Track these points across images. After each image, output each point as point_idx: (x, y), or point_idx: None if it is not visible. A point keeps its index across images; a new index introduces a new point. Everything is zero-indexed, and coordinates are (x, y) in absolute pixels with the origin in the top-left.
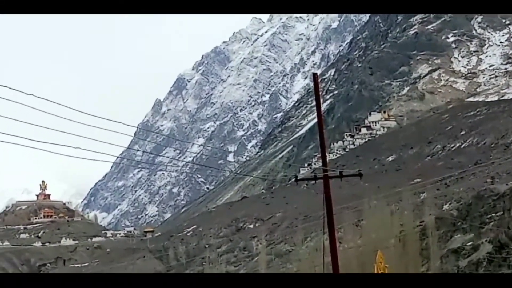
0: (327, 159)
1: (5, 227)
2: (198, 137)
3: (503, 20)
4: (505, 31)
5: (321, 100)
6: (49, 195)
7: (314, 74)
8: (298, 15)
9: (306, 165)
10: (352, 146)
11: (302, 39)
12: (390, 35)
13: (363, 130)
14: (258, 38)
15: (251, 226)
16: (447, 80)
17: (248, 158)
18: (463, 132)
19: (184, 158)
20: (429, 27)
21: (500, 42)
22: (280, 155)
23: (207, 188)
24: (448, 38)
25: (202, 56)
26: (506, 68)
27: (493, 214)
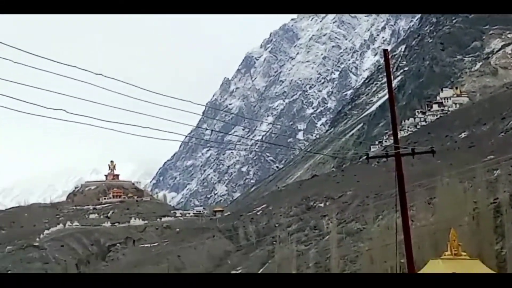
0: (398, 136)
1: (74, 207)
2: (267, 116)
3: None
4: None
5: (392, 77)
6: (118, 175)
7: (385, 51)
8: None
9: (376, 142)
10: (423, 123)
11: (371, 15)
12: None
13: (435, 107)
14: (326, 14)
15: (322, 204)
16: None
17: (318, 136)
18: None
19: (253, 136)
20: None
21: None
22: (350, 133)
23: (277, 167)
24: None
25: (270, 33)
26: None
27: None
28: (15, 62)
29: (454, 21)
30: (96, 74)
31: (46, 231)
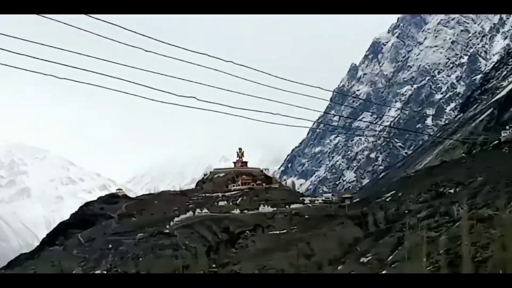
0: None
1: (203, 194)
2: (395, 101)
3: None
4: None
5: None
6: (246, 162)
7: None
8: None
9: (507, 127)
10: None
11: None
12: None
13: None
14: None
15: (452, 190)
16: None
17: (447, 122)
18: None
19: (381, 122)
20: None
21: None
22: (480, 118)
23: (406, 153)
24: None
25: (398, 18)
26: None
27: None
28: (146, 51)
29: None
30: (226, 61)
31: (176, 218)
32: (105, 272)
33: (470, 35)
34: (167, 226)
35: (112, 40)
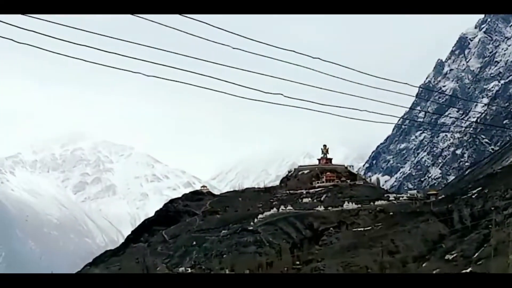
0: None
1: (288, 191)
2: (482, 97)
3: None
4: None
5: None
6: (330, 159)
7: None
8: None
9: None
10: None
11: None
12: None
13: None
14: None
15: None
16: None
17: None
18: None
19: (468, 118)
20: None
21: None
22: None
23: (492, 149)
24: None
25: (485, 14)
26: None
27: None
28: (234, 48)
29: None
30: (313, 58)
31: (260, 215)
32: (188, 268)
33: None
34: (251, 223)
35: (199, 37)
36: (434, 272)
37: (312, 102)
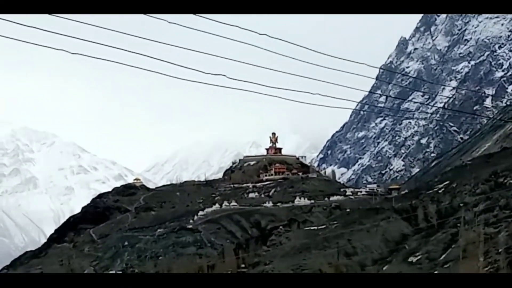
0: None
1: (232, 185)
2: (450, 80)
3: None
4: None
5: None
6: (280, 149)
7: None
8: None
9: None
10: None
11: None
12: None
13: None
14: None
15: None
16: None
17: (508, 103)
18: None
19: (434, 103)
20: None
21: None
22: None
23: (461, 138)
24: None
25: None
26: None
27: None
28: (170, 22)
29: None
30: (260, 34)
31: (201, 212)
32: (119, 272)
33: None
34: (191, 221)
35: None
36: None
37: (259, 84)
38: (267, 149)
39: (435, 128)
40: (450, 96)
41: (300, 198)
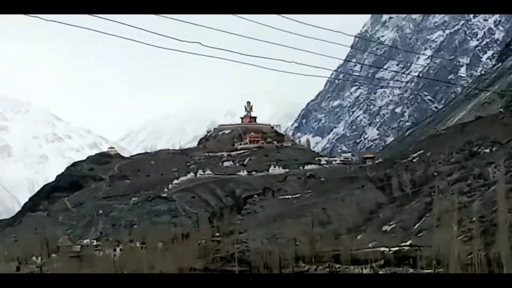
0: None
1: (206, 154)
2: (425, 49)
3: None
4: None
5: None
6: (255, 118)
7: None
8: None
9: None
10: None
11: None
12: None
13: None
14: None
15: (487, 150)
16: None
17: (483, 72)
18: None
19: (409, 72)
20: None
21: None
22: None
23: (435, 107)
24: None
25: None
26: None
27: None
28: None
29: None
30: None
31: (175, 181)
32: (94, 240)
33: None
34: (165, 190)
35: None
36: (370, 245)
37: (234, 52)
38: (242, 118)
39: (410, 97)
40: (425, 65)
41: (274, 167)
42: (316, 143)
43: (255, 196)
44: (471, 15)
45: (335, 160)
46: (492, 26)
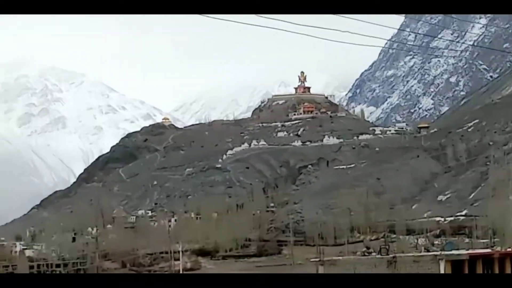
0: None
1: (260, 124)
2: (480, 17)
3: None
4: None
5: None
6: (309, 88)
7: None
8: None
9: None
10: None
11: None
12: None
13: None
14: None
15: None
16: None
17: None
18: None
19: (464, 41)
20: None
21: None
22: None
23: (490, 77)
24: None
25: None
26: None
27: None
28: None
29: None
30: None
31: (229, 151)
32: (149, 211)
33: None
34: (219, 160)
35: None
36: (425, 215)
37: (288, 22)
38: (296, 88)
39: (465, 67)
40: (480, 34)
41: (329, 137)
42: (370, 113)
43: (310, 166)
44: None
45: (390, 130)
46: None
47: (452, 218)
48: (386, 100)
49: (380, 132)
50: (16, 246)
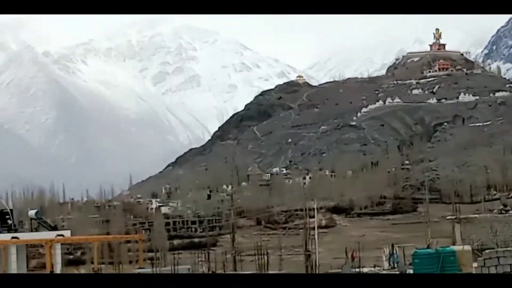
0: None
1: (395, 82)
2: None
3: None
4: None
5: None
6: (444, 45)
7: None
8: None
9: None
10: None
11: None
12: None
13: None
14: None
15: None
16: None
17: None
18: None
19: None
20: None
21: None
22: None
23: None
24: None
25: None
26: None
27: None
28: None
29: None
30: None
31: (364, 109)
32: (283, 169)
33: None
34: (354, 118)
35: None
36: None
37: None
38: (431, 45)
39: None
40: None
41: (464, 94)
42: (507, 70)
43: (445, 123)
44: None
45: None
46: None
47: None
48: None
49: None
50: (152, 203)
